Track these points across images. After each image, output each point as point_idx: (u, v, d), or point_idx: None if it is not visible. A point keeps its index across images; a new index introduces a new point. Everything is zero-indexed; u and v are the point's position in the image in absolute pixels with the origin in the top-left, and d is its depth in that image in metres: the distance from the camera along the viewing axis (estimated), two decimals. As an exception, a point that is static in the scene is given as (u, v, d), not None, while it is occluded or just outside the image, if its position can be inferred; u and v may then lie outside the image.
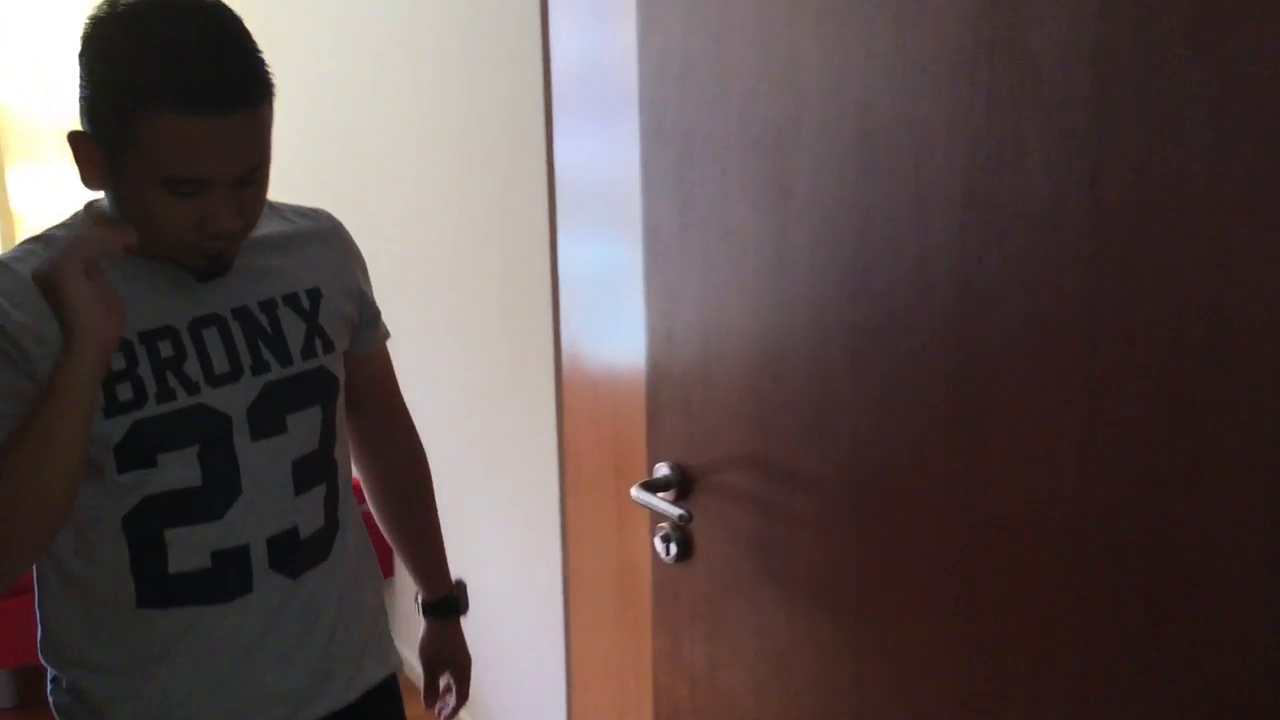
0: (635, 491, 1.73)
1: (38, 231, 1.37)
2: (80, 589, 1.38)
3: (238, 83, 1.18)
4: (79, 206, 1.40)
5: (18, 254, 1.31)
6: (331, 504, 1.49)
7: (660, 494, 1.73)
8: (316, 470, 1.46)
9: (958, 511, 1.31)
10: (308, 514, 1.45)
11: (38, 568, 1.40)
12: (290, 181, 3.60)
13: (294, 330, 1.43)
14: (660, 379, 1.75)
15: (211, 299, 1.37)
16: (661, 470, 1.75)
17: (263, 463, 1.38)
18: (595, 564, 2.35)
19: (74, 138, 1.23)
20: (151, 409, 1.31)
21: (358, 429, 1.70)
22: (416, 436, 1.78)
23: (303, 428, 1.43)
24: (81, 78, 1.20)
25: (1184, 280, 1.07)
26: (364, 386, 1.63)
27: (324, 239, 1.52)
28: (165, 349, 1.32)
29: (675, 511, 1.68)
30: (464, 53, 2.62)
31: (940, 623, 1.35)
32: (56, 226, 1.36)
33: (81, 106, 1.22)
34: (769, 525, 1.58)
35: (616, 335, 2.09)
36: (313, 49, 3.41)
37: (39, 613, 1.43)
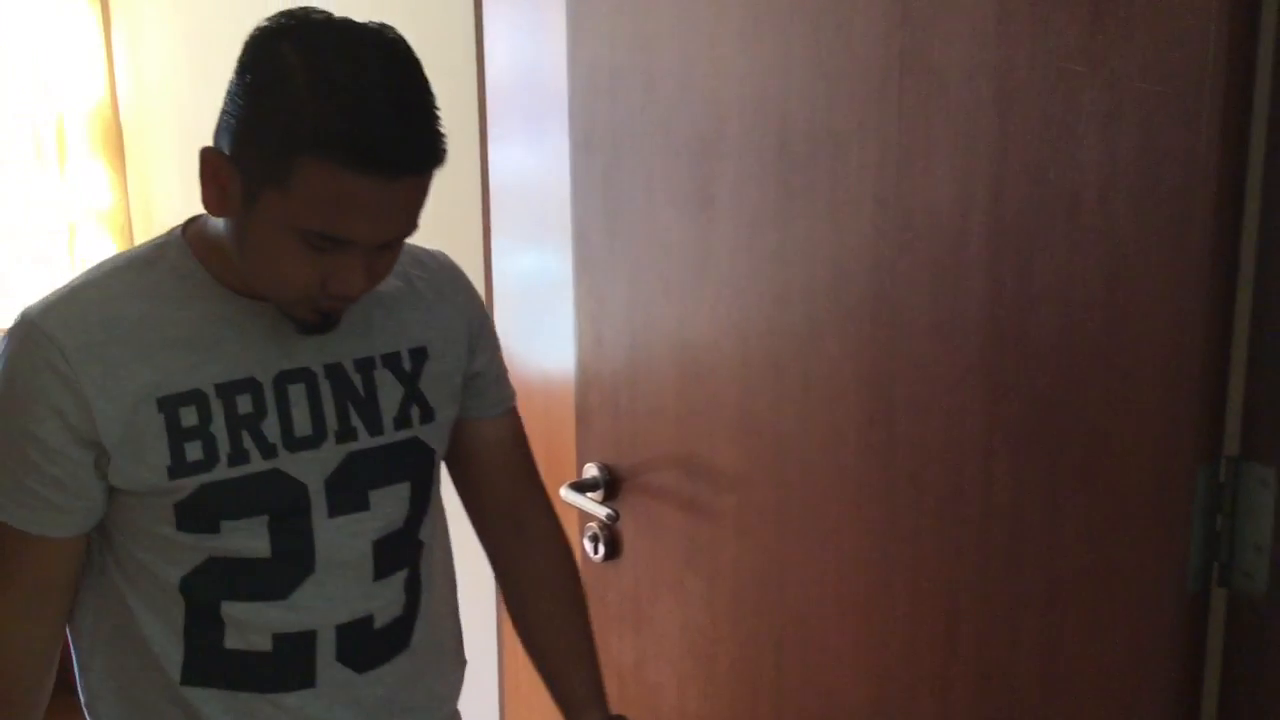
0: (564, 492, 1.77)
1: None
2: (122, 654, 1.23)
3: (416, 145, 1.05)
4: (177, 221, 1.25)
5: (95, 279, 1.18)
6: (414, 589, 1.30)
7: (589, 494, 1.77)
8: (400, 552, 1.28)
9: (871, 507, 1.37)
10: (386, 601, 1.27)
11: (77, 627, 1.26)
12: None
13: (390, 395, 1.26)
14: (589, 382, 1.79)
15: (303, 351, 1.20)
16: (590, 471, 1.79)
17: (339, 540, 1.22)
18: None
19: (210, 156, 1.09)
20: (221, 472, 1.16)
21: (481, 515, 1.44)
22: (558, 527, 1.45)
23: (388, 505, 1.25)
24: (238, 96, 1.06)
25: (1077, 284, 1.13)
26: (486, 461, 1.40)
27: (437, 290, 1.33)
28: (244, 404, 1.17)
29: (603, 511, 1.72)
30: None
31: (854, 614, 1.41)
32: (148, 246, 1.21)
33: (228, 125, 1.08)
34: (694, 523, 1.63)
35: (548, 340, 2.13)
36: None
37: (78, 678, 1.28)
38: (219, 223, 1.15)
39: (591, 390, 1.79)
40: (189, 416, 1.14)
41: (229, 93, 1.08)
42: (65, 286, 1.17)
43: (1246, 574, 1.10)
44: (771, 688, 1.54)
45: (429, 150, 1.06)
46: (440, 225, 2.54)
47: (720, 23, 1.47)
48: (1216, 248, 1.04)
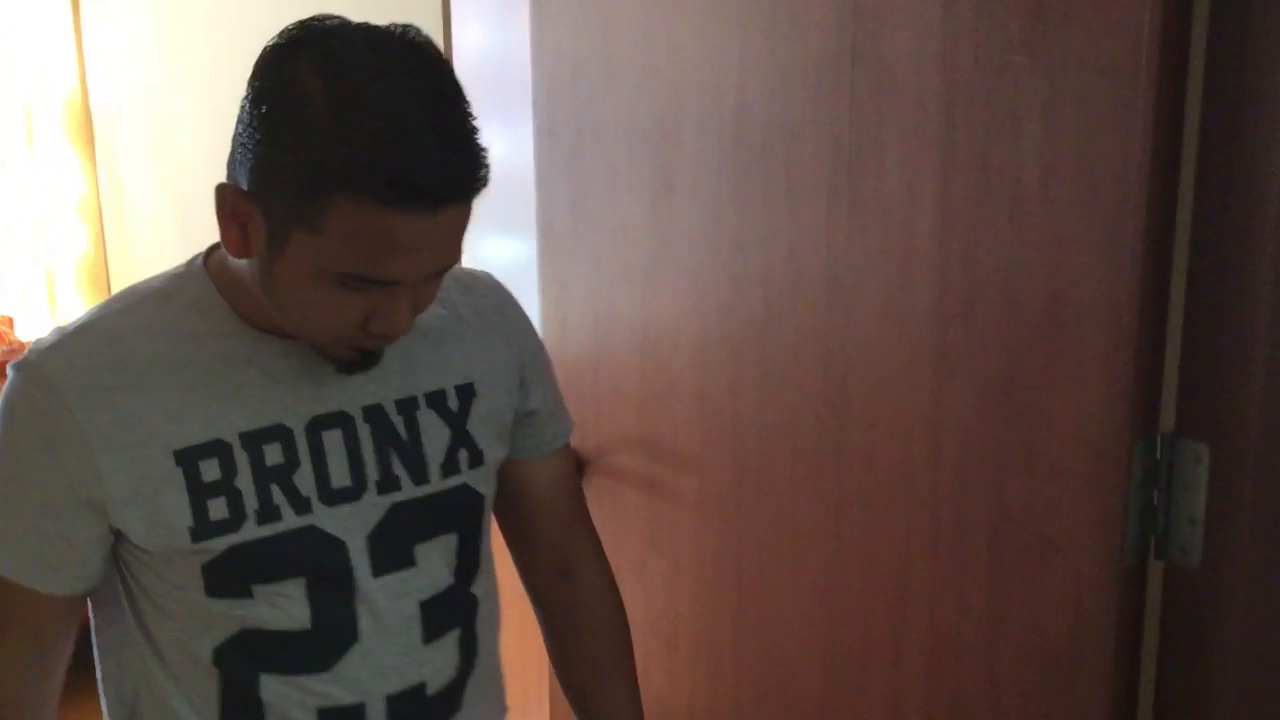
0: (530, 475, 1.80)
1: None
2: None
3: (459, 171, 0.92)
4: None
5: (106, 314, 1.06)
6: (468, 649, 1.18)
7: (554, 477, 1.80)
8: (451, 611, 1.16)
9: (825, 486, 1.40)
10: (438, 665, 1.15)
11: (107, 702, 1.16)
12: (190, 181, 3.60)
13: (435, 438, 1.13)
14: (554, 365, 1.82)
15: (339, 392, 1.08)
16: (556, 454, 1.82)
17: (385, 603, 1.10)
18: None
19: (228, 195, 0.96)
20: (250, 531, 1.03)
21: (527, 557, 1.32)
22: (609, 573, 1.34)
23: (435, 560, 1.13)
24: (253, 128, 0.93)
25: (1019, 268, 1.16)
26: (535, 503, 1.28)
27: (485, 318, 1.19)
28: (272, 454, 1.04)
29: (568, 493, 1.75)
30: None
31: (810, 590, 1.44)
32: (165, 278, 1.09)
33: (244, 159, 0.94)
34: (656, 505, 1.66)
35: (515, 326, 2.16)
36: (213, 46, 3.42)
37: None
38: None
39: (556, 374, 1.81)
40: (210, 470, 1.02)
41: (242, 121, 0.94)
42: (74, 322, 1.05)
43: (1182, 547, 1.14)
44: (731, 664, 1.57)
45: (473, 174, 0.93)
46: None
47: (678, 14, 1.50)
48: (1151, 231, 1.08)
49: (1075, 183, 1.11)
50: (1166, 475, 1.14)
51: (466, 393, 1.16)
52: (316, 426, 1.07)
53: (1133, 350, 1.10)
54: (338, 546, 1.07)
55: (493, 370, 1.18)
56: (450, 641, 1.16)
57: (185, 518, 1.02)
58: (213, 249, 1.09)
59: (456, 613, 1.17)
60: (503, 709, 1.29)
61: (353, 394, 1.08)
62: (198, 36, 3.49)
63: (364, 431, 1.09)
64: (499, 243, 2.23)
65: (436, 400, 1.14)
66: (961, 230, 1.21)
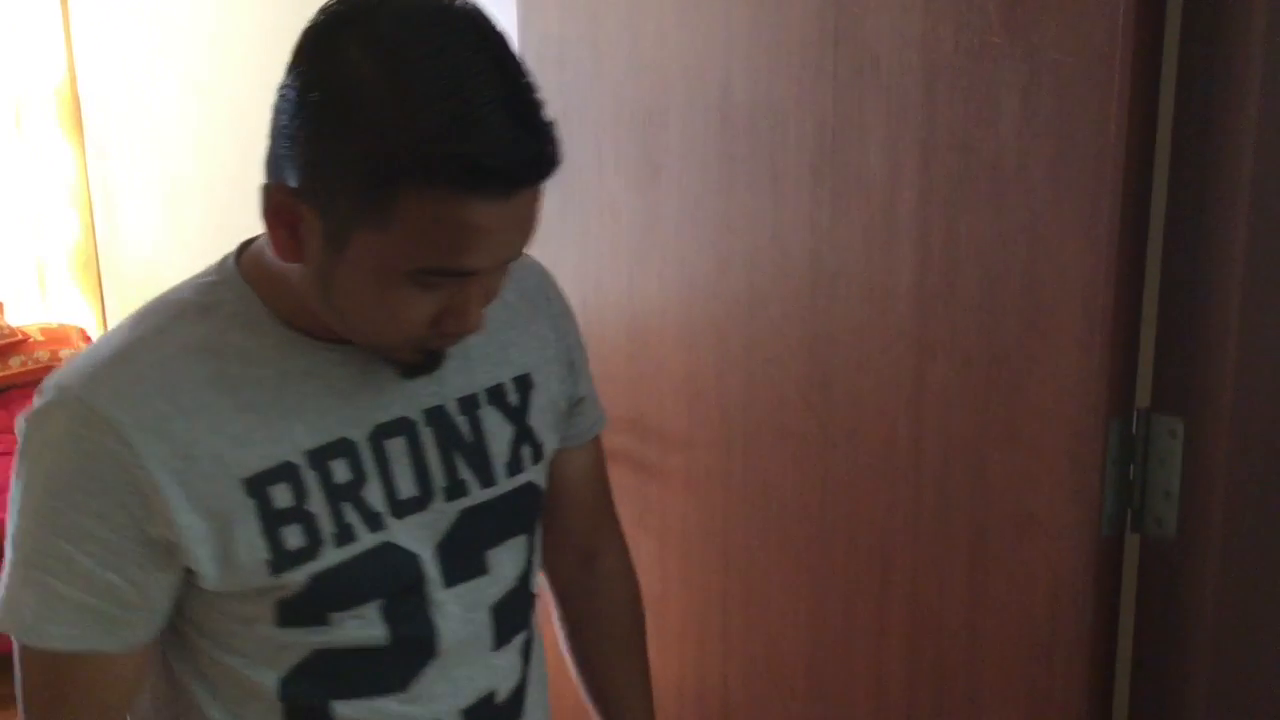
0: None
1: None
2: None
3: (534, 152, 0.83)
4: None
5: (143, 336, 0.94)
6: (528, 651, 1.14)
7: (544, 458, 1.82)
8: (517, 614, 1.11)
9: (809, 464, 1.43)
10: (506, 671, 1.10)
11: None
12: (180, 168, 3.61)
13: (499, 436, 1.06)
14: (543, 349, 1.84)
15: (399, 397, 1.00)
16: (545, 435, 1.84)
17: (459, 613, 1.04)
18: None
19: (277, 195, 0.86)
20: (330, 556, 0.95)
21: (550, 543, 1.24)
22: (630, 565, 1.31)
23: (506, 564, 1.08)
24: (302, 119, 0.83)
25: (998, 247, 1.18)
26: (566, 493, 1.21)
27: (531, 302, 1.12)
28: (340, 471, 0.96)
29: (557, 474, 1.77)
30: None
31: (795, 566, 1.47)
32: (196, 288, 0.99)
33: (291, 154, 0.85)
34: (644, 484, 1.68)
35: (505, 310, 2.17)
36: (201, 34, 3.42)
37: None
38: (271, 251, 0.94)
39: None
40: (282, 496, 0.94)
41: (285, 112, 0.85)
42: (104, 349, 0.94)
43: (1157, 520, 1.16)
44: (718, 640, 1.60)
45: (548, 154, 0.84)
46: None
47: (664, -3, 1.51)
48: (1127, 211, 1.10)
49: (1053, 163, 1.13)
50: (1143, 450, 1.16)
51: (524, 384, 1.09)
52: (379, 435, 0.99)
53: (1109, 328, 1.12)
54: (411, 560, 1.01)
55: (545, 358, 1.11)
56: (516, 645, 1.11)
57: (261, 550, 0.93)
58: (243, 248, 1.00)
59: (521, 614, 1.11)
60: (548, 712, 1.22)
61: (412, 397, 1.01)
62: (186, 24, 3.50)
63: (427, 436, 1.02)
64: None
65: (496, 396, 1.07)
66: (942, 211, 1.23)
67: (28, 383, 4.05)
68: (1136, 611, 1.20)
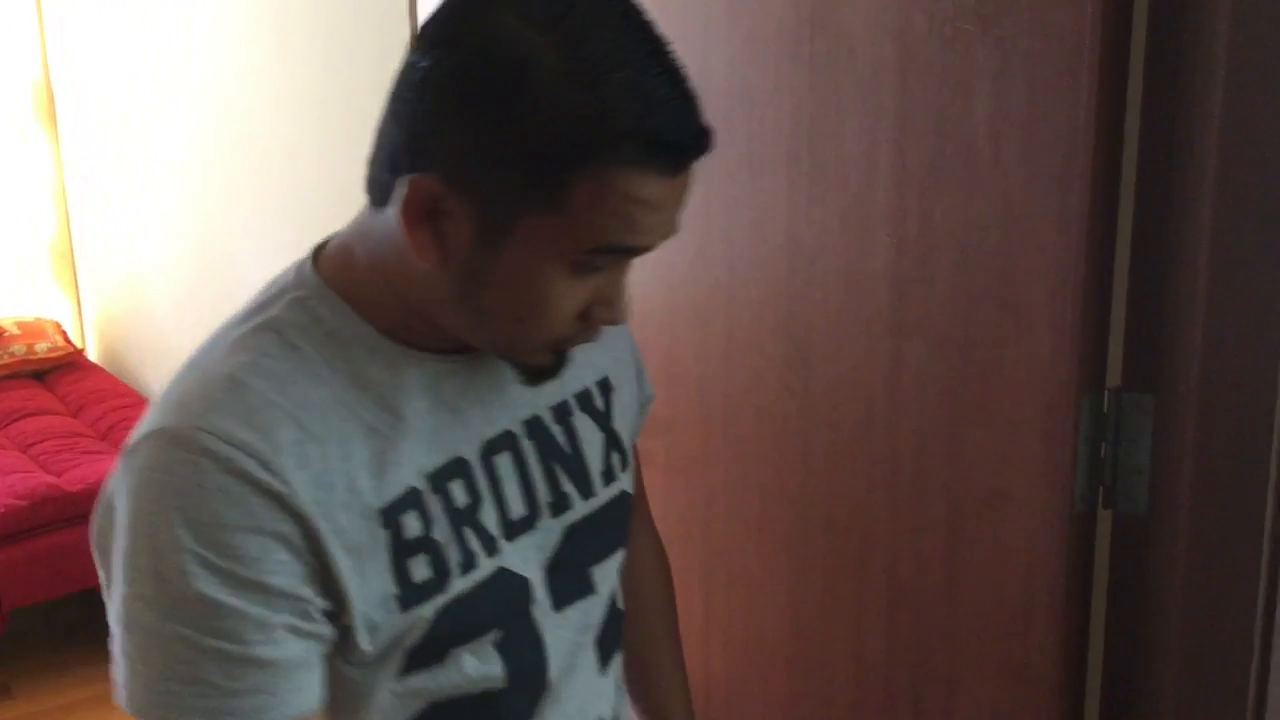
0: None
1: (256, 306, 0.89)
2: None
3: (701, 124, 0.79)
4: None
5: (246, 361, 0.84)
6: (618, 670, 1.08)
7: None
8: (615, 634, 1.05)
9: (789, 445, 1.45)
10: (609, 695, 1.05)
11: None
12: (154, 163, 3.60)
13: (592, 444, 1.01)
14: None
15: (502, 410, 0.94)
16: (527, 422, 1.86)
17: (569, 638, 0.98)
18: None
19: (427, 189, 0.78)
20: (457, 585, 0.88)
21: None
22: (664, 551, 1.26)
23: (609, 581, 1.02)
24: (460, 105, 0.77)
25: (972, 229, 1.21)
26: None
27: None
28: (458, 493, 0.89)
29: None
30: (333, 25, 2.68)
31: (775, 546, 1.49)
32: (282, 304, 0.87)
33: (443, 146, 0.78)
34: (625, 468, 1.70)
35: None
36: (175, 27, 3.41)
37: None
38: (364, 258, 0.87)
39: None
40: (412, 525, 0.86)
41: (427, 95, 0.78)
42: (199, 379, 0.84)
43: (1129, 496, 1.19)
44: (700, 619, 1.62)
45: (703, 120, 0.80)
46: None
47: (642, -14, 1.53)
48: (1097, 193, 1.12)
49: (1025, 147, 1.16)
50: (1114, 427, 1.19)
51: (605, 388, 1.04)
52: (488, 452, 0.92)
53: (1080, 308, 1.14)
54: (522, 585, 0.93)
55: (618, 359, 1.07)
56: (616, 666, 1.06)
57: (388, 584, 0.84)
58: (315, 258, 0.90)
59: (618, 634, 1.06)
60: None
61: (513, 409, 0.95)
62: (160, 16, 3.49)
63: (528, 449, 0.95)
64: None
65: (585, 401, 1.01)
66: (917, 195, 1.25)
67: (3, 376, 4.04)
68: (1109, 585, 1.23)
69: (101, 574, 0.85)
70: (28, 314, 4.33)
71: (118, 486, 0.81)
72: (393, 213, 0.80)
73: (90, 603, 3.33)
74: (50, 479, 3.22)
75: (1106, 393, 1.18)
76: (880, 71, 1.27)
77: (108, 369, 4.30)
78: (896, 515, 1.33)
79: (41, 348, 4.15)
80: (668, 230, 0.82)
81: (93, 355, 4.52)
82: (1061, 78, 1.12)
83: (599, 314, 0.85)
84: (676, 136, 0.77)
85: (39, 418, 3.74)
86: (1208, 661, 1.16)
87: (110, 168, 4.08)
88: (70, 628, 3.38)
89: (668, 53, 0.78)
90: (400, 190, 0.79)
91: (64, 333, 4.29)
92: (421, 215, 0.79)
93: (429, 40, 0.79)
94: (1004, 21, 1.15)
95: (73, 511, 3.09)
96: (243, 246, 3.24)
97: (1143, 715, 1.21)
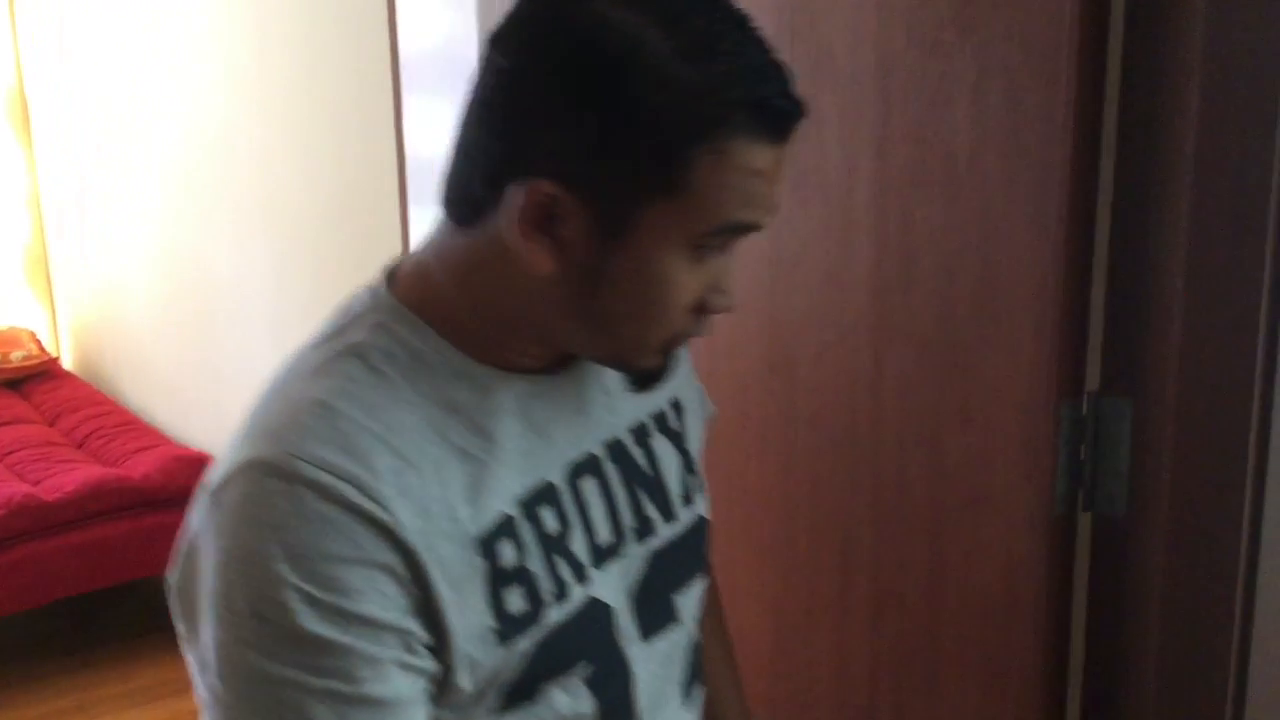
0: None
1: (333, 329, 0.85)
2: None
3: (793, 87, 0.78)
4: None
5: (333, 386, 0.79)
6: (699, 700, 1.04)
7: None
8: (698, 663, 1.01)
9: (772, 449, 1.46)
10: None
11: None
12: (129, 171, 3.59)
13: (670, 466, 0.97)
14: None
15: (587, 432, 0.91)
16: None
17: (656, 670, 0.93)
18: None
19: (543, 194, 0.75)
20: (552, 616, 0.84)
21: None
22: (712, 574, 1.14)
23: (692, 609, 0.98)
24: (564, 101, 0.75)
25: (953, 235, 1.22)
26: None
27: None
28: (549, 520, 0.85)
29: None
30: (311, 32, 2.67)
31: (759, 548, 1.50)
32: (362, 327, 0.83)
33: (553, 145, 0.75)
34: (609, 474, 1.71)
35: (466, 305, 2.19)
36: (157, 23, 3.40)
37: None
38: (445, 278, 0.83)
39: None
40: (507, 554, 0.82)
41: (527, 96, 0.76)
42: (285, 406, 0.80)
43: (1108, 498, 1.21)
44: (685, 625, 1.63)
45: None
46: (357, 197, 2.59)
47: (623, -5, 1.54)
48: (1075, 199, 1.14)
49: (1003, 155, 1.17)
50: (1093, 431, 1.20)
51: (678, 408, 1.01)
52: (574, 475, 0.89)
53: (1059, 314, 1.16)
54: (609, 614, 0.89)
55: (684, 377, 1.03)
56: (697, 697, 1.02)
57: (485, 617, 0.80)
58: (390, 280, 0.86)
59: (700, 665, 1.02)
60: None
61: (596, 430, 0.91)
62: (134, 24, 3.47)
63: (611, 471, 0.92)
64: (448, 223, 2.26)
65: (661, 422, 0.98)
66: (898, 202, 1.27)
67: (-21, 385, 4.02)
68: (1089, 586, 1.24)
69: (181, 625, 0.80)
70: (2, 322, 4.31)
71: (203, 527, 0.77)
72: (494, 226, 0.78)
73: (67, 613, 3.33)
74: (27, 488, 3.19)
75: (1085, 397, 1.20)
76: (860, 80, 1.28)
77: (83, 377, 4.27)
78: (879, 518, 1.34)
79: (16, 356, 4.12)
80: (774, 205, 0.80)
81: (68, 364, 4.49)
82: (1039, 86, 1.13)
83: (713, 302, 0.82)
84: (783, 102, 0.76)
85: (14, 426, 3.71)
86: (1187, 662, 1.18)
87: (85, 175, 4.06)
88: (48, 637, 3.35)
89: (753, 23, 0.77)
90: (512, 200, 0.76)
91: (39, 341, 4.26)
92: (535, 226, 0.76)
93: (514, 42, 0.77)
94: (982, 31, 1.17)
95: (49, 521, 3.07)
96: (219, 254, 3.23)
97: (1123, 714, 1.23)
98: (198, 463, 3.34)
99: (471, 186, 0.79)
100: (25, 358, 4.13)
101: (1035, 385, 1.18)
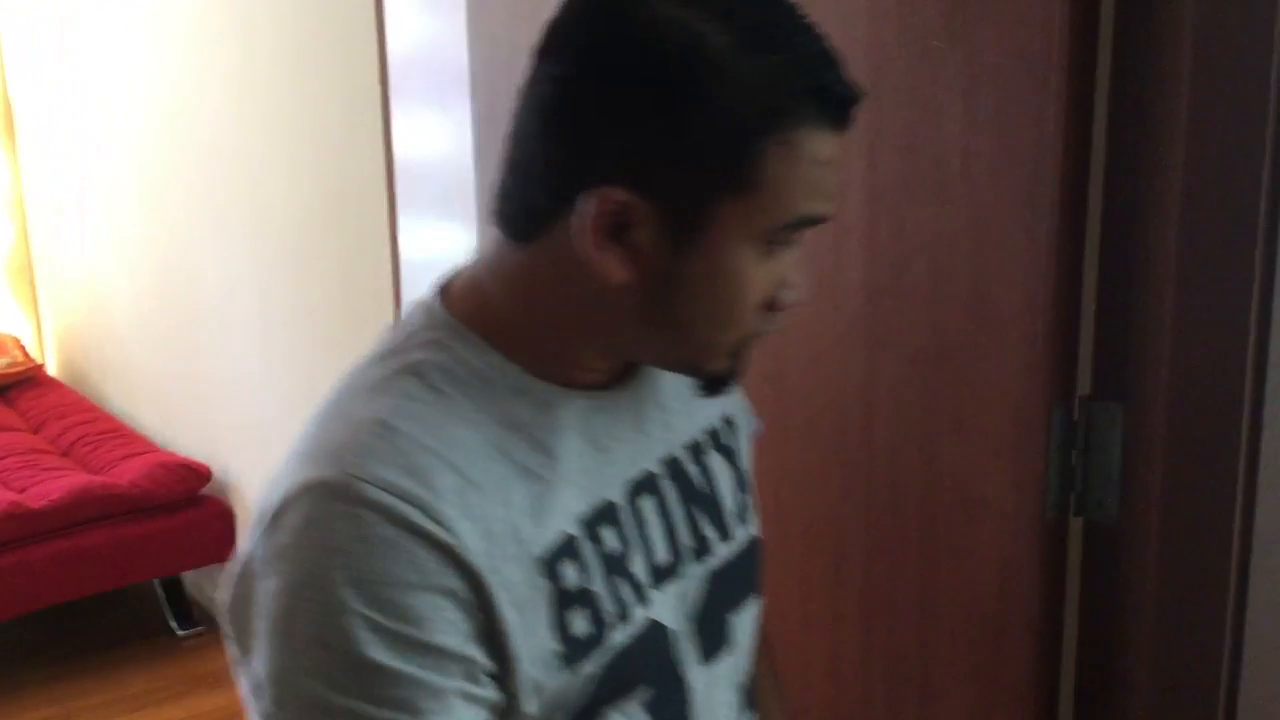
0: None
1: (393, 347, 0.83)
2: None
3: (849, 74, 0.77)
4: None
5: (393, 405, 0.78)
6: None
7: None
8: (751, 689, 0.99)
9: (765, 456, 1.45)
10: None
11: None
12: (113, 178, 3.57)
13: (725, 483, 0.96)
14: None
15: (643, 449, 0.89)
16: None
17: (717, 695, 0.92)
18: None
19: (609, 203, 0.74)
20: (615, 639, 0.82)
21: None
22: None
23: (747, 631, 0.96)
24: (629, 105, 0.73)
25: (944, 242, 1.23)
26: None
27: None
28: (610, 539, 0.84)
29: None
30: (298, 38, 2.67)
31: (752, 557, 1.50)
32: (416, 343, 0.82)
33: (620, 151, 0.74)
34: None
35: (456, 311, 2.18)
36: (143, 28, 3.39)
37: None
38: (502, 293, 0.82)
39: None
40: (570, 575, 0.79)
41: (583, 107, 0.75)
42: (344, 425, 0.78)
43: (1099, 503, 1.21)
44: (677, 631, 1.63)
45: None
46: (345, 202, 2.59)
47: (613, 2, 1.54)
48: (1065, 206, 1.14)
49: (994, 161, 1.18)
50: (1084, 436, 1.21)
51: (730, 424, 1.00)
52: (633, 494, 0.87)
53: (1050, 319, 1.16)
54: (669, 636, 0.87)
55: (733, 394, 1.01)
56: None
57: (550, 640, 0.78)
58: (444, 294, 0.85)
59: (753, 689, 1.00)
60: None
61: (652, 447, 0.89)
62: (119, 31, 3.46)
63: (669, 489, 0.90)
64: (439, 229, 2.26)
65: (715, 439, 0.97)
66: (890, 209, 1.27)
67: (-37, 393, 3.99)
68: (1081, 591, 1.25)
69: (235, 649, 0.77)
70: (-14, 330, 4.29)
71: (260, 550, 0.74)
72: (556, 239, 0.76)
73: (54, 620, 3.31)
74: (13, 496, 3.18)
75: (1077, 402, 1.20)
76: (851, 87, 1.28)
77: (68, 384, 4.25)
78: (871, 523, 1.34)
79: (1, 363, 4.10)
80: (839, 196, 0.80)
81: (53, 370, 4.47)
82: (1030, 93, 1.14)
83: (783, 297, 0.81)
84: (843, 89, 0.76)
85: (-1, 434, 3.70)
86: (1179, 666, 1.18)
87: (69, 181, 4.04)
88: (34, 645, 3.34)
89: (802, 11, 0.77)
90: (583, 210, 0.74)
91: (23, 348, 4.24)
92: (606, 235, 0.74)
93: (569, 49, 0.76)
94: (973, 38, 1.17)
95: (35, 528, 3.06)
96: (205, 260, 3.22)
97: (1115, 719, 1.23)
98: (184, 469, 3.33)
99: (531, 200, 0.78)
100: (10, 365, 4.11)
101: (1026, 390, 1.19)
